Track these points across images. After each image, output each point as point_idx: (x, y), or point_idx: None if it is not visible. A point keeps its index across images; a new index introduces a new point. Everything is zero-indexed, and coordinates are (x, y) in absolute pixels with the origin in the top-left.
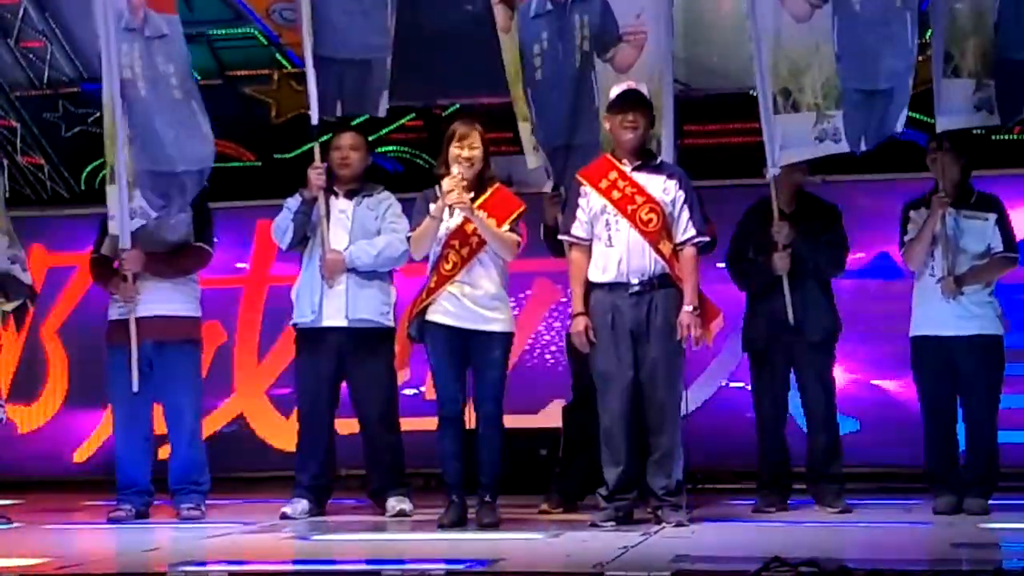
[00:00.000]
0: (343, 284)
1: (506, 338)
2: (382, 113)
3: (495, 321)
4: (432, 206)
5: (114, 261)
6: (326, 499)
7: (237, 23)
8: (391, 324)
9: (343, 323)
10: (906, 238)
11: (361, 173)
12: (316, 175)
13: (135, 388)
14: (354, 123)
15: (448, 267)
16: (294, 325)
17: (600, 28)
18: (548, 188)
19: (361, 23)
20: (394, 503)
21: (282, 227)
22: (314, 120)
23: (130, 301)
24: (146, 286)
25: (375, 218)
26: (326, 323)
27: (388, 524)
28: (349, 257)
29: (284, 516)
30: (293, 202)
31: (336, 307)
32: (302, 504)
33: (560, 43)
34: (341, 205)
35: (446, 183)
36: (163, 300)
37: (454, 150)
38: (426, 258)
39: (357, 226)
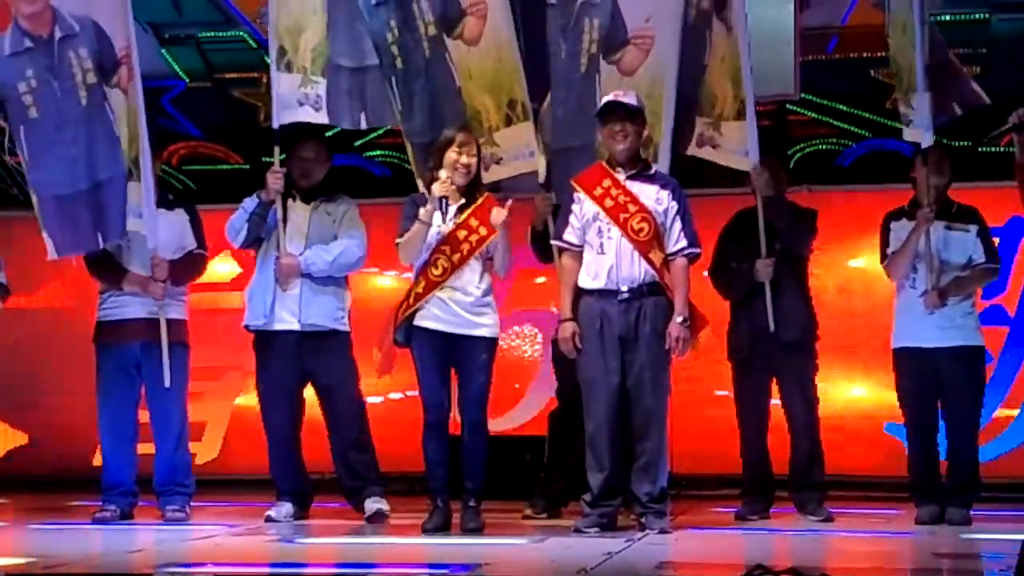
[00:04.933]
0: (297, 288)
1: (492, 343)
2: (391, 123)
3: (482, 326)
4: (422, 210)
5: (112, 258)
6: (309, 502)
7: (226, 26)
8: (345, 328)
9: (295, 327)
10: (888, 250)
11: (320, 181)
12: (274, 179)
13: (167, 384)
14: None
15: (437, 272)
16: (246, 327)
17: (609, 30)
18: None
19: (359, 29)
20: (371, 504)
21: (236, 226)
22: (275, 124)
23: (160, 299)
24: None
25: (333, 223)
26: (277, 326)
27: (373, 528)
28: (304, 262)
29: (269, 519)
30: (250, 203)
31: (289, 310)
32: (286, 507)
33: (564, 44)
34: (299, 210)
35: (436, 188)
36: (152, 302)
37: (452, 155)
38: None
39: (313, 231)
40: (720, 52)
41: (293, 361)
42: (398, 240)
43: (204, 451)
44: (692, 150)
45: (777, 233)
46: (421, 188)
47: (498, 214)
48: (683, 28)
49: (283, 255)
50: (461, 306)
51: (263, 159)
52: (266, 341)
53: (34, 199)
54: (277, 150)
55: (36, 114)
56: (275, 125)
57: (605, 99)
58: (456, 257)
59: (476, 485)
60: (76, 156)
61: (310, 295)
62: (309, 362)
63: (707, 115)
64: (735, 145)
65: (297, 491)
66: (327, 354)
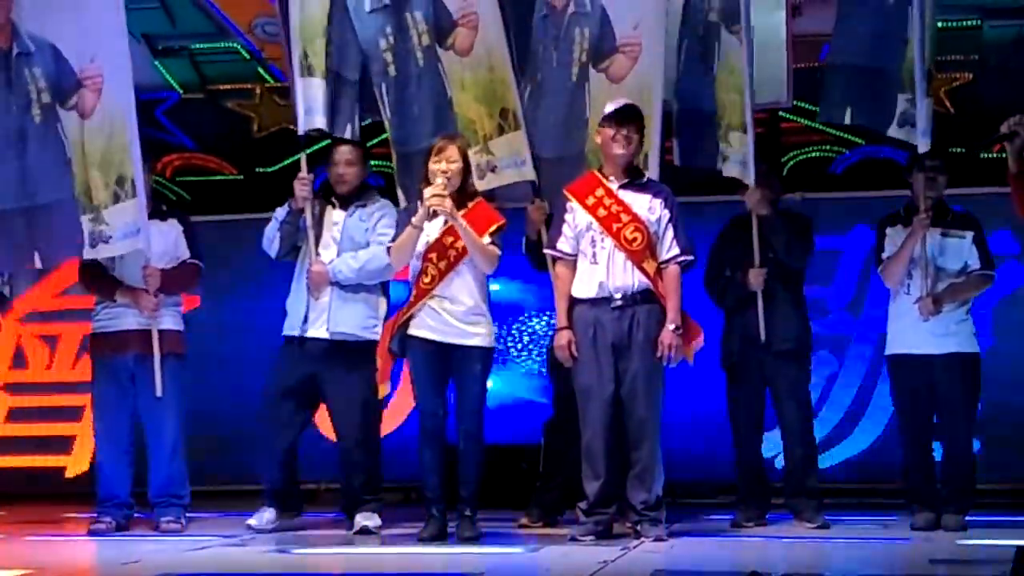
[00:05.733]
0: (327, 297)
1: (487, 353)
2: (355, 135)
3: (475, 336)
4: (414, 217)
5: (105, 269)
6: (293, 507)
7: (220, 37)
8: (374, 337)
9: (325, 335)
10: (884, 255)
11: (358, 186)
12: (300, 186)
13: (159, 394)
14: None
15: (427, 280)
16: (284, 336)
17: (599, 38)
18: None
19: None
20: (360, 519)
21: (269, 236)
22: (300, 131)
23: (154, 314)
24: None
25: (365, 229)
26: (311, 335)
27: (367, 538)
28: (331, 270)
29: (250, 528)
30: (281, 212)
31: (320, 319)
32: (268, 513)
33: (555, 53)
34: (335, 216)
35: (428, 191)
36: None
37: (433, 165)
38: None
39: (346, 238)
40: (729, 64)
41: (310, 366)
42: (389, 244)
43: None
44: (721, 165)
45: (772, 242)
46: (400, 198)
47: (430, 192)
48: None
49: (313, 263)
50: (452, 315)
51: (256, 170)
52: (292, 346)
53: None
54: (304, 157)
55: None
56: (300, 131)
57: (618, 103)
58: (443, 264)
59: (471, 494)
60: (22, 173)
61: (339, 304)
62: (328, 374)
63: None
64: (738, 155)
65: (282, 494)
66: (347, 368)
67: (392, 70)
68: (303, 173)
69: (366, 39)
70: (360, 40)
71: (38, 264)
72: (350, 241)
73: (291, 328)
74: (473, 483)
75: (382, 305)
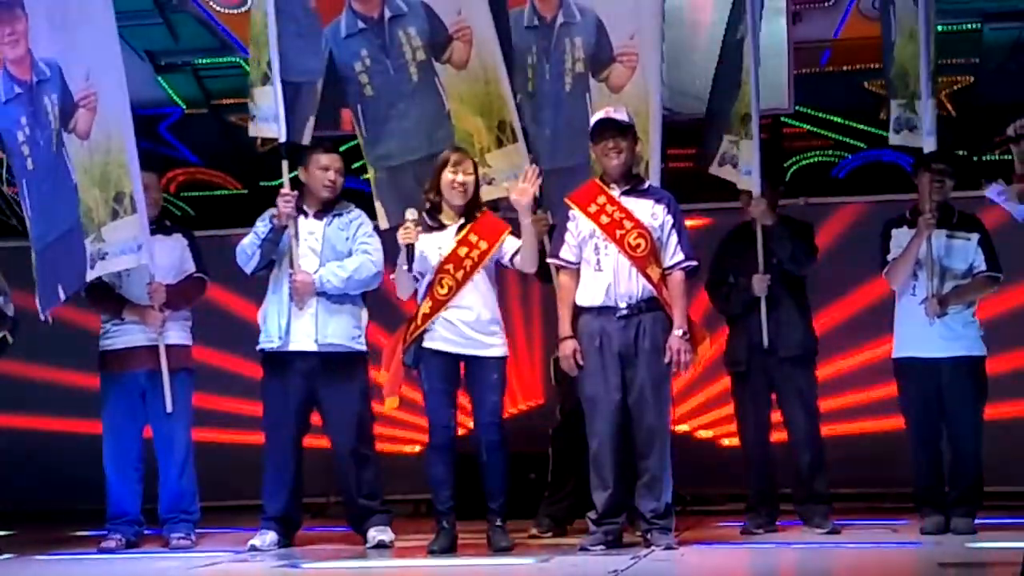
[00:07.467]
0: (312, 308)
1: (502, 362)
2: (307, 140)
3: (492, 346)
4: (401, 255)
5: (111, 287)
6: (294, 531)
7: (223, 52)
8: (362, 348)
9: (312, 347)
10: (889, 257)
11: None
12: (284, 203)
13: (169, 409)
14: (344, 148)
15: (443, 292)
16: (261, 349)
17: (595, 48)
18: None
19: (299, 45)
20: (374, 533)
21: (248, 252)
22: (282, 138)
23: (159, 329)
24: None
25: (346, 239)
26: (293, 347)
27: (379, 552)
28: (319, 280)
29: (253, 548)
30: (262, 228)
31: (305, 331)
32: (271, 536)
33: (547, 65)
34: (310, 226)
35: (400, 235)
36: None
37: (448, 175)
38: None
39: (327, 247)
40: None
41: (305, 383)
42: (391, 276)
43: None
44: (715, 169)
45: (775, 249)
46: (380, 214)
47: (403, 235)
48: (726, 43)
49: (297, 272)
50: (469, 326)
51: (261, 183)
52: (280, 362)
53: (34, 259)
54: (286, 166)
55: (32, 165)
56: (282, 139)
57: (595, 116)
58: (460, 275)
59: (500, 504)
60: (48, 205)
61: (326, 315)
62: (320, 387)
63: (733, 133)
64: (743, 164)
65: (285, 518)
66: (339, 376)
67: (368, 90)
68: (286, 189)
69: (342, 63)
70: (337, 64)
71: (62, 296)
72: (332, 251)
73: (269, 341)
74: (501, 493)
75: (364, 315)
